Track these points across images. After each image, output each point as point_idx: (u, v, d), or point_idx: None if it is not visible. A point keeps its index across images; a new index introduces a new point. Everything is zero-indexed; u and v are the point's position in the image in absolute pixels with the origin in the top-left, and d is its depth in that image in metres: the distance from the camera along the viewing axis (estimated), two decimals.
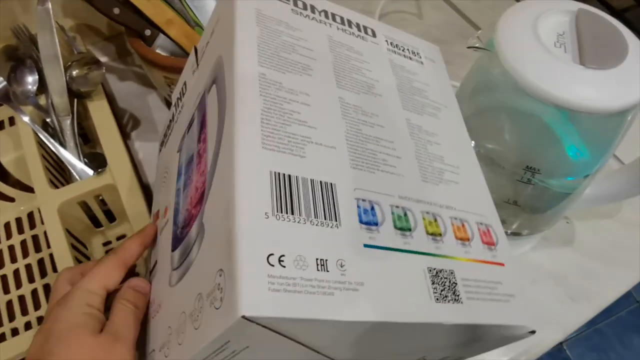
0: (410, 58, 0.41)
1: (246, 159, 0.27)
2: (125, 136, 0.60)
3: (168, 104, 0.62)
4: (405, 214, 0.30)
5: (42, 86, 0.54)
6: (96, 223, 0.53)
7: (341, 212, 0.27)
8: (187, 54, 0.54)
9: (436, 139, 0.36)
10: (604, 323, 1.43)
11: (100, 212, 0.52)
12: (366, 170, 0.30)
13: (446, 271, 0.29)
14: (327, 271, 0.25)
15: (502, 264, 0.31)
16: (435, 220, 0.31)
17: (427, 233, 0.30)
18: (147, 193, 0.55)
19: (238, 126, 0.28)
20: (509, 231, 0.48)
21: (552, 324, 0.50)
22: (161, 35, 0.52)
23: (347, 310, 0.24)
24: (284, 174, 0.27)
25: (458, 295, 0.28)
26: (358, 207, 0.28)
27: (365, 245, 0.27)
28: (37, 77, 0.54)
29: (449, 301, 0.27)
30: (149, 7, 0.51)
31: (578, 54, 0.37)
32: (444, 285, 0.28)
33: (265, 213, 0.25)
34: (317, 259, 0.25)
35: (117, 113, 0.62)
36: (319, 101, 0.32)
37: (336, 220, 0.27)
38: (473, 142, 0.43)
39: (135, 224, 0.47)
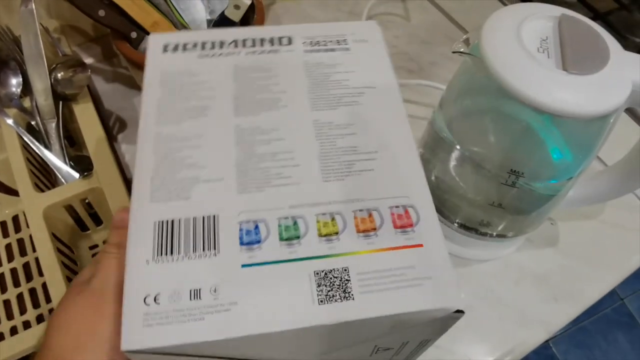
0: (333, 49, 0.40)
1: (136, 215, 0.30)
2: (111, 138, 0.59)
3: None
4: (295, 223, 0.31)
5: (26, 88, 0.54)
6: (82, 226, 0.53)
7: (221, 240, 0.30)
8: None
9: (351, 130, 0.35)
10: (589, 321, 1.45)
11: (86, 216, 0.52)
12: (255, 191, 0.32)
13: (337, 270, 0.29)
14: (200, 299, 0.28)
15: (419, 245, 0.31)
16: (333, 219, 0.31)
17: (320, 235, 0.30)
18: None
19: (134, 187, 0.32)
20: (494, 233, 0.49)
21: (536, 324, 0.51)
22: (147, 38, 0.52)
23: (215, 330, 0.27)
24: (166, 221, 0.30)
25: (349, 292, 0.28)
26: (240, 230, 0.30)
27: (244, 266, 0.29)
28: (21, 79, 0.54)
29: (336, 300, 0.28)
30: (134, 9, 0.51)
31: (561, 59, 0.38)
32: (332, 285, 0.29)
33: (147, 260, 0.29)
34: (190, 290, 0.28)
35: (104, 115, 0.61)
36: (212, 139, 0.34)
37: (215, 249, 0.29)
38: (458, 145, 0.44)
39: None
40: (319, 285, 0.28)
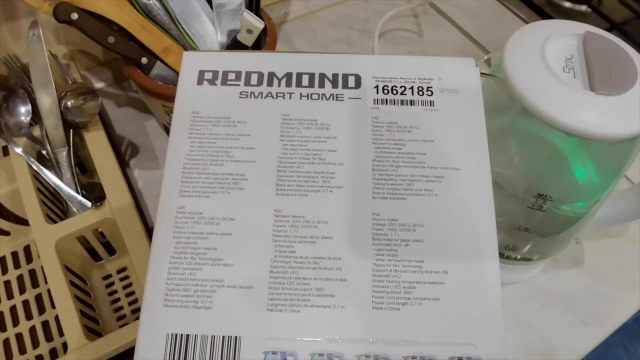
0: (412, 102, 0.32)
1: (147, 320, 0.26)
2: (124, 164, 0.58)
3: (167, 131, 0.61)
4: None
5: (36, 117, 0.53)
6: (95, 256, 0.52)
7: None
8: None
9: (419, 234, 0.28)
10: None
11: (99, 246, 0.51)
12: (288, 311, 0.26)
13: None
14: None
15: None
16: None
17: None
18: (147, 224, 0.54)
19: (147, 282, 0.27)
20: (519, 256, 0.47)
21: (564, 349, 0.49)
22: (158, 63, 0.51)
23: None
24: (180, 335, 0.26)
25: None
26: None
27: None
28: (30, 107, 0.53)
29: None
30: (145, 34, 0.50)
31: (588, 79, 0.36)
32: None
33: None
34: None
35: (115, 140, 0.60)
36: (244, 226, 0.28)
37: None
38: None
39: (135, 257, 0.46)
40: None
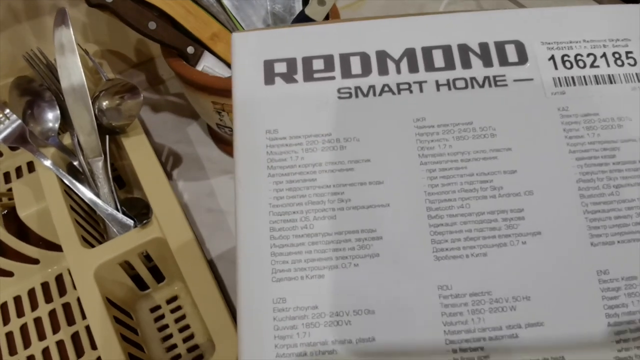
0: (611, 78, 0.21)
1: None
2: (166, 176, 0.51)
3: (213, 135, 0.53)
4: None
5: (66, 123, 0.45)
6: (140, 284, 0.43)
7: None
8: None
9: None
10: None
11: (146, 272, 0.42)
12: None
13: None
14: None
15: None
16: None
17: None
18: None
19: None
20: None
21: None
22: (206, 53, 0.43)
23: None
24: None
25: None
26: None
27: None
28: (58, 112, 0.45)
29: None
30: (190, 19, 0.43)
31: None
32: None
33: None
34: None
35: (154, 149, 0.52)
36: (393, 317, 0.18)
37: None
38: None
39: (192, 282, 0.38)
40: None
